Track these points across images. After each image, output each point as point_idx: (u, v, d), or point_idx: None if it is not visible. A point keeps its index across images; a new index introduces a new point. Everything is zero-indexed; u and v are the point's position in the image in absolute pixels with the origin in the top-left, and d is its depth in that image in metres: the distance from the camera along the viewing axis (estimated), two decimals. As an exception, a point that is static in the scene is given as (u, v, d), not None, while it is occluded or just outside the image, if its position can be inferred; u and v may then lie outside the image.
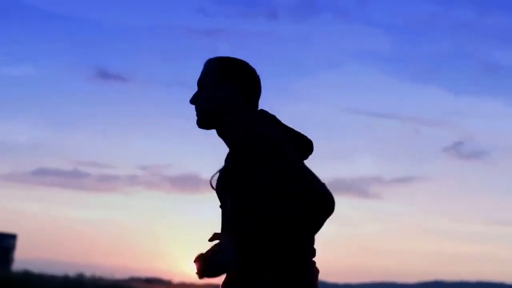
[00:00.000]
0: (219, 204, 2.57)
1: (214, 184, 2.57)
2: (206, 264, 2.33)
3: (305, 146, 2.54)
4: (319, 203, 2.25)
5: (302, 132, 2.56)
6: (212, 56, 2.65)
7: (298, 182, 2.26)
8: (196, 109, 2.60)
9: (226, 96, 2.54)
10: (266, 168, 2.34)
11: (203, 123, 2.59)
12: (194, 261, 2.37)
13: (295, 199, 2.25)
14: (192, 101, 2.61)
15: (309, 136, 2.56)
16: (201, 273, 2.37)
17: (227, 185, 2.48)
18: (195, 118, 2.61)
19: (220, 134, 2.59)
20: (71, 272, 24.43)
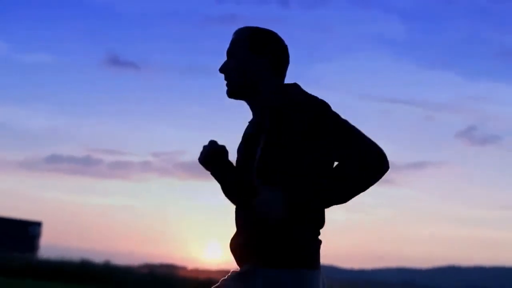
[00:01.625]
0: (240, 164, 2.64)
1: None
2: (206, 152, 2.60)
3: None
4: (382, 164, 2.44)
5: None
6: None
7: (363, 145, 2.43)
8: (226, 79, 2.62)
9: (257, 66, 2.57)
10: (325, 126, 2.44)
11: (234, 94, 2.62)
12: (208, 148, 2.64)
13: (366, 163, 2.40)
14: (222, 70, 2.63)
15: None
16: (203, 159, 2.65)
17: (257, 151, 2.53)
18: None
19: (251, 104, 2.63)
20: (85, 258, 24.61)
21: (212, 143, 2.67)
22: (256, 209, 2.41)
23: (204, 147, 2.67)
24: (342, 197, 2.43)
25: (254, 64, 2.58)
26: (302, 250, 2.45)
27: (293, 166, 2.45)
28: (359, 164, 2.41)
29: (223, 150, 2.68)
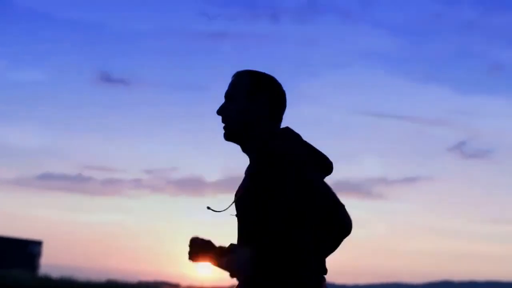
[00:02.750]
0: (235, 213, 2.62)
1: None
2: (195, 247, 2.53)
3: (325, 166, 2.56)
4: (342, 226, 2.43)
5: (322, 153, 2.61)
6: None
7: (322, 204, 2.40)
8: (225, 121, 2.61)
9: (255, 110, 2.58)
10: (284, 185, 2.40)
11: (231, 137, 2.61)
12: (190, 245, 2.54)
13: (324, 223, 2.40)
14: (220, 112, 2.62)
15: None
16: (191, 255, 2.56)
17: (244, 197, 2.52)
18: (222, 130, 2.63)
19: (243, 148, 2.63)
20: (79, 276, 24.49)
21: (194, 240, 2.58)
22: (225, 268, 2.45)
23: (189, 245, 2.59)
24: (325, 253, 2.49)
25: (253, 109, 2.58)
26: None
27: (264, 222, 2.43)
28: (338, 226, 2.43)
29: (207, 243, 2.58)
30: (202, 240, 2.59)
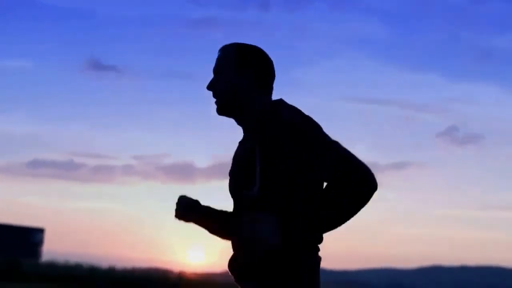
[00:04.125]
0: (233, 187, 2.61)
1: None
2: (182, 205, 2.60)
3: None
4: (373, 186, 2.37)
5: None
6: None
7: (351, 166, 2.37)
8: (215, 96, 2.62)
9: (245, 82, 2.58)
10: (312, 147, 2.39)
11: (223, 110, 2.62)
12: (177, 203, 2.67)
13: (355, 186, 2.35)
14: (209, 87, 2.64)
15: None
16: (177, 214, 2.66)
17: (256, 165, 2.48)
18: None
19: (239, 121, 2.63)
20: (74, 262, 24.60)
21: (182, 198, 2.70)
22: (248, 236, 2.39)
23: (176, 203, 2.70)
24: (335, 225, 2.41)
25: (241, 81, 2.58)
26: (304, 272, 2.43)
27: (286, 189, 2.42)
28: (351, 188, 2.36)
29: (195, 203, 2.70)
30: (190, 199, 2.68)
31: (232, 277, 2.57)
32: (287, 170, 2.42)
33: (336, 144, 2.42)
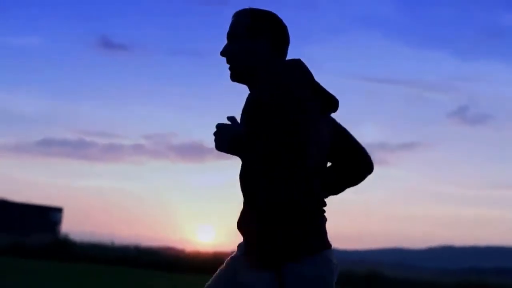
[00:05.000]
0: None
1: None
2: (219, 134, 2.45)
3: (330, 104, 2.59)
4: (371, 168, 2.67)
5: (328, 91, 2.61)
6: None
7: (358, 149, 2.63)
8: (229, 62, 2.60)
9: (260, 48, 2.57)
10: (283, 112, 2.38)
11: (237, 76, 2.60)
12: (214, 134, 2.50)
13: (360, 166, 2.64)
14: (223, 53, 2.62)
15: None
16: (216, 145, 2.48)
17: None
18: (228, 71, 2.61)
19: (251, 87, 2.60)
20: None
21: (221, 126, 2.49)
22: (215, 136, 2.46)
23: (216, 133, 2.49)
24: (334, 190, 2.65)
25: (256, 45, 2.57)
26: (314, 235, 2.47)
27: (272, 142, 2.39)
28: (354, 166, 2.64)
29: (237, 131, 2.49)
30: (229, 125, 2.49)
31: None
32: (274, 125, 2.38)
33: (310, 115, 2.45)
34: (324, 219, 2.51)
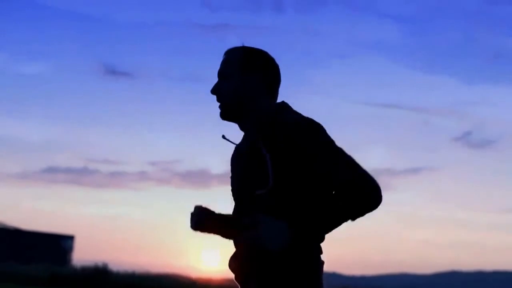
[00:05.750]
0: (233, 187, 2.60)
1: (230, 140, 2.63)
2: (200, 215, 2.40)
3: None
4: (374, 196, 2.38)
5: None
6: (220, 51, 2.64)
7: (355, 174, 2.36)
8: (220, 101, 2.57)
9: (250, 87, 2.53)
10: (316, 152, 2.37)
11: (227, 115, 2.57)
12: (193, 214, 2.42)
13: (357, 193, 2.34)
14: (214, 91, 2.58)
15: None
16: (195, 225, 2.42)
17: (255, 166, 2.45)
18: (217, 110, 2.59)
19: (243, 126, 2.58)
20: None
21: (198, 209, 2.45)
22: (258, 240, 2.37)
23: (192, 214, 2.45)
24: (333, 226, 2.41)
25: (247, 85, 2.53)
26: (308, 275, 2.42)
27: (294, 190, 2.40)
28: (354, 196, 2.36)
29: (211, 213, 2.46)
30: (206, 208, 2.45)
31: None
32: (293, 170, 2.38)
33: (343, 152, 2.40)
34: (322, 263, 2.49)
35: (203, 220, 2.43)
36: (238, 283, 2.52)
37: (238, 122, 2.58)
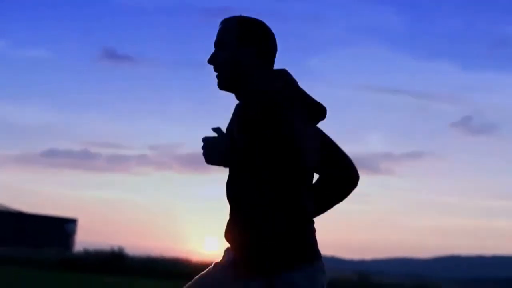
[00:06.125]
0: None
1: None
2: (207, 147, 2.44)
3: (318, 112, 2.50)
4: (355, 183, 2.47)
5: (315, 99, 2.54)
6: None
7: (342, 158, 2.45)
8: (216, 70, 2.58)
9: (247, 57, 2.54)
10: (273, 124, 2.39)
11: (225, 84, 2.58)
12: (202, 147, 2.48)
13: (345, 178, 2.44)
14: (210, 61, 2.59)
15: None
16: (205, 157, 2.45)
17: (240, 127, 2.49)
18: (215, 79, 2.60)
19: (239, 96, 2.59)
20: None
21: (209, 139, 2.48)
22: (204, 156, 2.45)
23: (205, 146, 2.48)
24: (317, 212, 2.49)
25: (244, 54, 2.55)
26: (306, 244, 2.44)
27: (267, 158, 2.41)
28: (339, 179, 2.45)
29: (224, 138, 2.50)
30: (217, 137, 2.47)
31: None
32: (267, 139, 2.39)
33: (298, 125, 2.40)
34: (314, 229, 2.49)
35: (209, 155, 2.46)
36: (233, 250, 2.53)
37: (235, 92, 2.59)
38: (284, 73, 2.54)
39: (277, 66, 2.62)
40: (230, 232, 2.52)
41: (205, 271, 2.57)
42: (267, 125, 2.38)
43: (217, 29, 2.61)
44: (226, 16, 2.62)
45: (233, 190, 2.51)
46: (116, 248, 24.18)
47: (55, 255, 24.80)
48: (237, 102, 2.61)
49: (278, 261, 2.39)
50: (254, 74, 2.53)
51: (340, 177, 2.43)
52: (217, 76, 2.58)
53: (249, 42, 2.55)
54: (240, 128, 2.46)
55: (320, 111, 2.49)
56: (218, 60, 2.57)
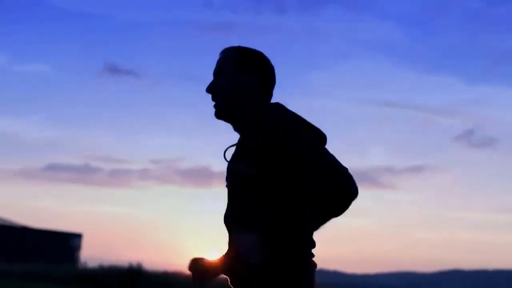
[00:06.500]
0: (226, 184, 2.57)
1: (227, 157, 2.59)
2: (198, 269, 2.44)
3: (319, 139, 2.46)
4: (348, 189, 2.28)
5: (316, 126, 2.50)
6: (221, 49, 2.63)
7: (326, 167, 2.27)
8: (215, 99, 2.56)
9: (247, 86, 2.52)
10: (290, 144, 2.33)
11: (222, 114, 2.56)
12: (189, 268, 2.46)
13: (338, 191, 2.27)
14: (209, 90, 2.57)
15: (321, 127, 2.51)
16: (197, 279, 2.45)
17: (239, 160, 2.46)
18: (212, 108, 2.58)
19: (237, 126, 2.56)
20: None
21: (193, 265, 2.49)
22: (238, 255, 2.41)
23: (190, 269, 2.50)
24: (316, 226, 2.38)
25: (244, 83, 2.53)
26: (304, 262, 2.41)
27: (271, 186, 2.38)
28: (332, 194, 2.28)
29: (206, 267, 2.50)
30: (202, 259, 2.48)
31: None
32: (271, 167, 2.36)
33: (324, 150, 2.34)
34: (314, 265, 2.44)
35: (202, 273, 2.48)
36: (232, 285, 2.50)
37: (232, 122, 2.57)
38: (281, 105, 2.50)
39: (278, 80, 2.63)
40: (229, 267, 2.47)
41: None
42: (267, 153, 2.36)
43: (222, 45, 2.61)
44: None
45: (239, 225, 2.45)
46: (134, 264, 24.11)
47: (68, 270, 24.84)
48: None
49: (277, 276, 2.36)
50: (253, 104, 2.52)
51: (338, 190, 2.27)
52: (214, 106, 2.57)
53: (250, 72, 2.53)
54: (240, 156, 2.45)
55: (321, 138, 2.46)
56: (217, 89, 2.55)
